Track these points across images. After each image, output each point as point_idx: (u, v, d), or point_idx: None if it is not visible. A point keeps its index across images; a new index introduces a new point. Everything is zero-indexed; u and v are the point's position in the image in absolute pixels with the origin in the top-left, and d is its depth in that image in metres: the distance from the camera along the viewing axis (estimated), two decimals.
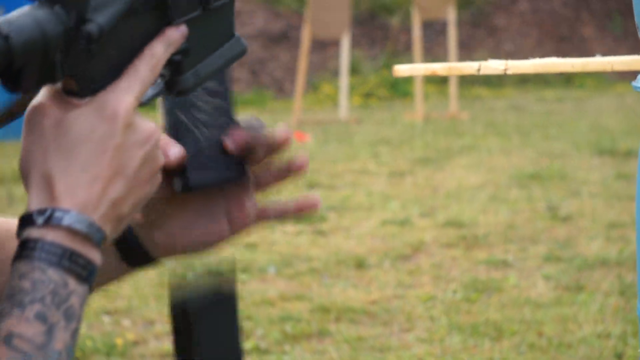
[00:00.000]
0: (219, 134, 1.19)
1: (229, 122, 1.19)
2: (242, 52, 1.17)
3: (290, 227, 5.61)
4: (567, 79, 14.34)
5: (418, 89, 11.12)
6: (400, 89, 13.38)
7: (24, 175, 1.03)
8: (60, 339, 0.99)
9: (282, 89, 13.63)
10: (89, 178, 1.00)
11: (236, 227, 1.24)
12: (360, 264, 4.78)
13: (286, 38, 14.09)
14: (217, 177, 1.20)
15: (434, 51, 14.09)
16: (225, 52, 1.15)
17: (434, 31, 14.18)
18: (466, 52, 14.03)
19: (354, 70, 12.90)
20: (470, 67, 1.82)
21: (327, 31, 10.91)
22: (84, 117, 1.02)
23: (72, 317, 1.00)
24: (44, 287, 0.98)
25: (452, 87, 11.26)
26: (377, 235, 5.40)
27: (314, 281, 4.51)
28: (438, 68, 1.90)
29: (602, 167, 7.35)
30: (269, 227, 5.77)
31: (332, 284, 4.46)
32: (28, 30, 0.99)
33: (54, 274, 0.98)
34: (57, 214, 0.99)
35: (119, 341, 3.68)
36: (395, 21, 14.57)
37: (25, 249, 1.00)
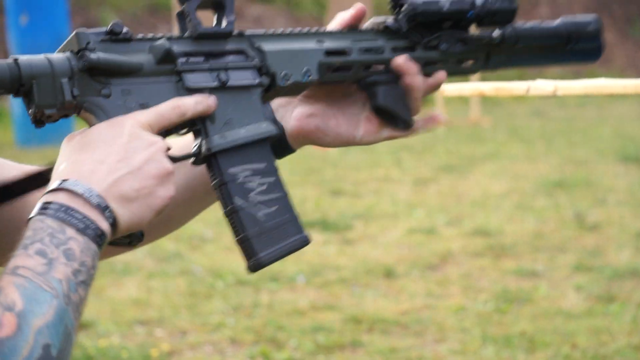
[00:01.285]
0: (278, 207, 1.35)
1: (284, 194, 1.36)
2: (271, 135, 1.38)
3: (317, 236, 5.62)
4: None
5: (439, 94, 11.12)
6: None
7: (52, 177, 1.24)
8: (60, 271, 1.16)
9: None
10: (96, 161, 1.23)
11: (365, 137, 1.46)
12: (389, 274, 4.78)
13: None
14: (284, 249, 1.35)
15: None
16: (252, 129, 1.37)
17: None
18: None
19: None
20: (518, 87, 1.82)
21: None
22: (100, 127, 1.27)
23: (73, 257, 1.17)
24: (42, 231, 1.18)
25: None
26: (404, 244, 5.40)
27: (344, 291, 4.52)
28: (486, 89, 1.90)
29: (627, 175, 7.34)
30: None
31: (362, 293, 4.47)
32: (36, 57, 1.27)
33: (51, 222, 1.18)
34: (62, 183, 1.21)
35: (154, 352, 3.70)
36: None
37: (36, 212, 1.21)
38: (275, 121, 1.46)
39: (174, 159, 1.32)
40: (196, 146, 1.36)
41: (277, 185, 1.35)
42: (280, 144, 1.47)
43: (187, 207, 1.51)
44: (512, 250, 5.18)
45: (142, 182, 1.24)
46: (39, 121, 1.30)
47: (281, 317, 4.06)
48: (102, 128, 1.26)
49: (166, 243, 5.48)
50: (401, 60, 1.43)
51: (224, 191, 1.34)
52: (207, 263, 5.07)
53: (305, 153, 8.93)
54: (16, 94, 1.28)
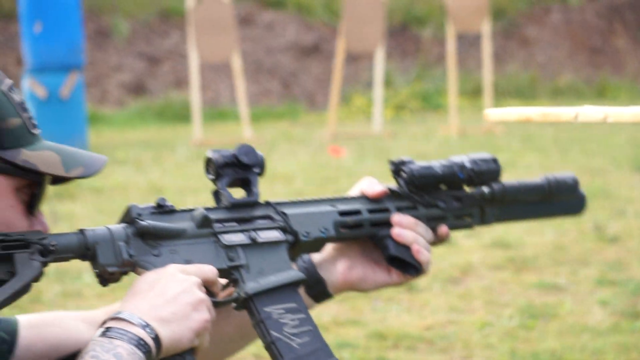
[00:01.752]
0: (309, 338, 1.61)
1: (314, 327, 1.63)
2: (299, 280, 1.65)
3: None
4: (599, 91, 14.27)
5: (452, 102, 11.08)
6: (433, 101, 13.35)
7: None
8: None
9: (313, 102, 13.62)
10: (140, 299, 1.57)
11: (396, 279, 1.78)
12: (411, 287, 4.75)
13: (318, 50, 14.07)
14: None
15: (466, 63, 14.05)
16: (281, 275, 1.64)
17: (466, 43, 14.14)
18: (498, 63, 13.99)
19: (386, 82, 12.86)
20: (567, 113, 1.80)
21: (362, 44, 10.90)
22: (147, 275, 1.60)
23: (121, 358, 1.48)
24: (94, 345, 1.51)
25: (487, 100, 11.21)
26: None
27: (366, 305, 4.49)
28: (532, 114, 1.88)
29: None
30: None
31: (385, 308, 4.44)
32: (99, 229, 1.58)
33: (100, 339, 1.52)
34: (112, 315, 1.55)
35: None
36: (427, 33, 14.53)
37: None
38: (312, 272, 1.77)
39: (218, 304, 1.62)
40: (236, 292, 1.64)
41: (308, 320, 1.62)
42: (320, 292, 1.78)
43: (239, 342, 1.85)
44: (533, 263, 5.15)
45: (177, 307, 1.55)
46: (103, 279, 1.59)
47: None
48: (148, 276, 1.59)
49: None
50: (395, 217, 1.74)
51: (262, 327, 1.61)
52: None
53: (320, 162, 8.89)
54: (83, 258, 1.57)
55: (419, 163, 1.76)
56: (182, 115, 12.39)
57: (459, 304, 4.47)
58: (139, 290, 1.56)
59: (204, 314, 1.56)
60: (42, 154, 1.55)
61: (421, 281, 4.84)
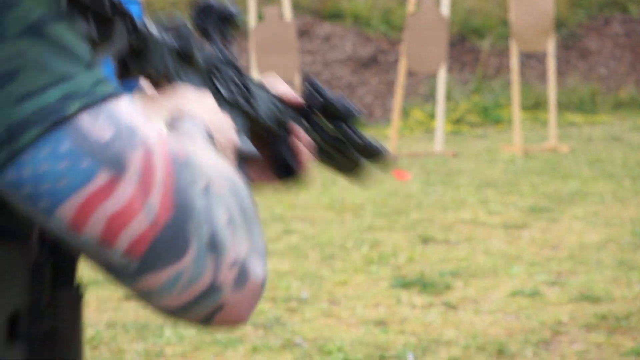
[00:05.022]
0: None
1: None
2: None
3: (417, 299, 5.47)
4: None
5: (516, 121, 10.87)
6: (492, 115, 13.18)
7: None
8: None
9: (372, 114, 13.50)
10: None
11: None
12: (502, 351, 4.63)
13: (376, 62, 13.94)
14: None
15: (526, 75, 13.85)
16: None
17: (525, 55, 13.94)
18: (558, 75, 13.78)
19: (445, 95, 12.71)
20: None
21: (424, 65, 10.74)
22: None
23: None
24: None
25: (552, 116, 10.97)
26: (509, 312, 5.24)
27: None
28: None
29: None
30: (397, 298, 5.63)
31: None
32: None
33: None
34: None
35: None
36: (486, 44, 14.34)
37: None
38: None
39: None
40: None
41: None
42: None
43: None
44: (626, 323, 5.00)
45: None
46: None
47: None
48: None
49: (264, 306, 5.36)
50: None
51: None
52: (310, 334, 4.94)
53: (387, 189, 8.76)
54: None
55: None
56: None
57: None
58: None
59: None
60: None
61: (512, 344, 4.71)
